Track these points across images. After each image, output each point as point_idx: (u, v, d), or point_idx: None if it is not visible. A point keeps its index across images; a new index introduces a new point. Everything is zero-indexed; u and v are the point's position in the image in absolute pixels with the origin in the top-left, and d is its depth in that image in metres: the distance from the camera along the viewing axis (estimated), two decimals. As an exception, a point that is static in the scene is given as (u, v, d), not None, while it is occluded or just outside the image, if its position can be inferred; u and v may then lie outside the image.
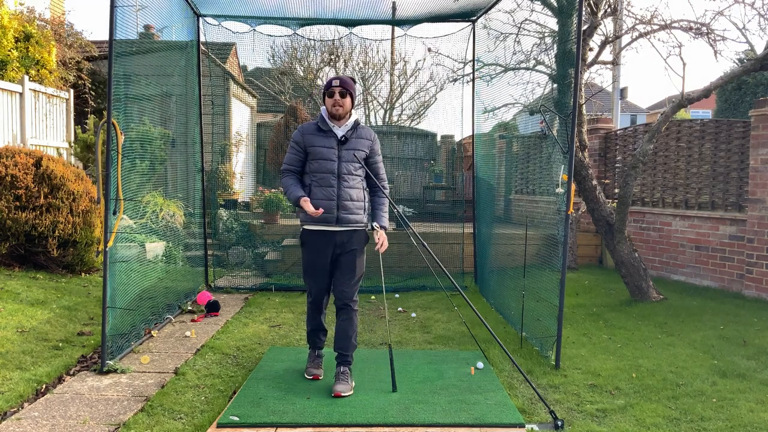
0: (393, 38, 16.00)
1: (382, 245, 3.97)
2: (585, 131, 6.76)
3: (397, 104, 19.23)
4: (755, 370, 4.46)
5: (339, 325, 4.08)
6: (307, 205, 3.83)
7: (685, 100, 6.30)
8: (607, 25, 6.85)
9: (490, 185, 7.70)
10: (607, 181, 9.50)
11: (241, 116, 13.74)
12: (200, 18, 6.88)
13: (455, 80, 9.15)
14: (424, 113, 19.31)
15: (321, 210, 3.83)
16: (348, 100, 3.94)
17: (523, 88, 6.58)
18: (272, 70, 18.74)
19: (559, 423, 3.43)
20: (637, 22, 6.91)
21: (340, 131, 3.98)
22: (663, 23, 6.69)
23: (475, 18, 7.26)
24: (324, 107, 3.98)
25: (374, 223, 4.06)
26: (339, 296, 4.08)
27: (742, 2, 6.50)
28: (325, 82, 4.04)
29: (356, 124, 4.03)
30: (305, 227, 4.06)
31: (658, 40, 7.64)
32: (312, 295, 4.19)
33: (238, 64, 16.77)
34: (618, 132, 9.50)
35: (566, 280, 4.53)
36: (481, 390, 3.96)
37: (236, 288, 7.38)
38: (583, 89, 6.36)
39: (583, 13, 4.89)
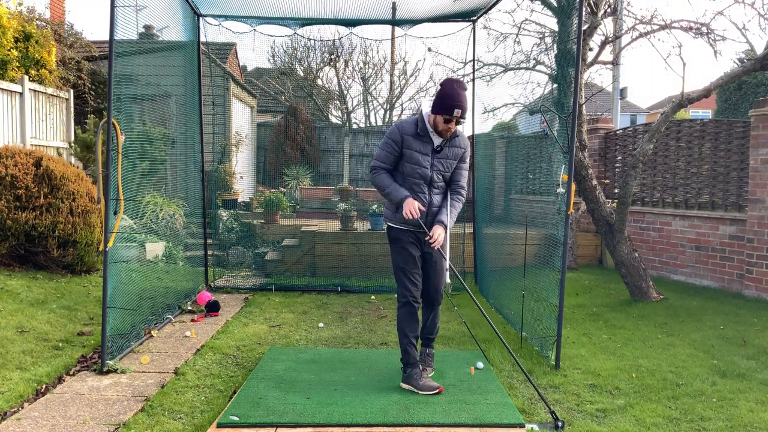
0: (393, 38, 16.00)
1: (436, 241, 3.87)
2: (585, 131, 6.76)
3: (397, 104, 19.23)
4: (755, 370, 4.46)
5: (431, 319, 4.17)
6: (410, 207, 3.75)
7: (685, 100, 6.30)
8: (607, 25, 6.86)
9: (490, 185, 7.71)
10: (607, 181, 9.50)
11: (241, 116, 13.74)
12: (200, 18, 6.88)
13: (455, 80, 9.14)
14: (424, 113, 19.28)
15: (418, 214, 3.76)
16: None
17: (522, 88, 6.59)
18: (272, 70, 18.74)
19: (560, 423, 3.43)
20: (637, 22, 6.91)
21: (437, 140, 3.91)
22: (663, 23, 6.69)
23: (475, 18, 7.25)
24: (428, 113, 3.87)
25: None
26: (433, 294, 4.10)
27: (742, 2, 6.50)
28: (441, 97, 3.76)
29: (454, 134, 3.96)
30: (392, 224, 3.97)
31: (658, 40, 7.66)
32: (409, 293, 3.92)
33: (238, 64, 16.77)
34: (618, 132, 9.50)
35: (566, 280, 4.53)
36: (481, 390, 3.96)
37: (236, 288, 7.38)
38: (583, 89, 6.35)
39: (583, 12, 4.89)
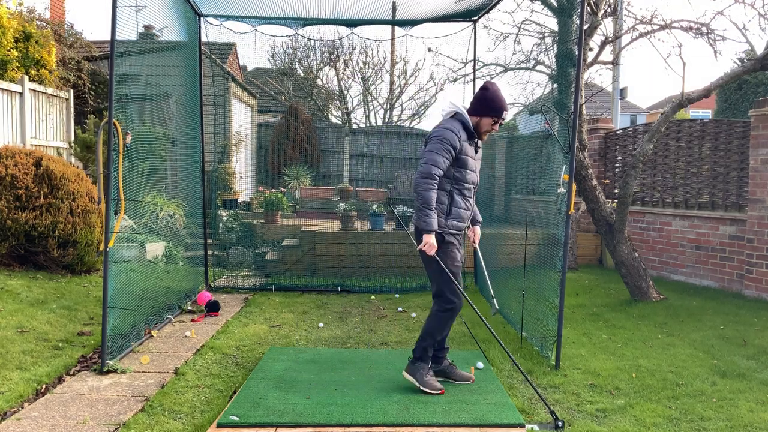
0: (393, 38, 16.00)
1: (476, 236, 4.15)
2: (585, 131, 6.76)
3: (397, 104, 19.24)
4: (755, 370, 4.46)
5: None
6: (433, 244, 3.71)
7: (685, 100, 6.30)
8: (607, 25, 6.86)
9: (490, 185, 7.71)
10: (607, 181, 9.50)
11: (241, 116, 13.74)
12: (201, 18, 6.88)
13: (455, 80, 9.17)
14: (424, 113, 19.32)
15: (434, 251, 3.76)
16: None
17: (523, 88, 6.60)
18: (272, 70, 18.75)
19: (560, 423, 3.43)
20: (637, 22, 6.92)
21: (478, 142, 3.95)
22: (663, 23, 6.70)
23: (476, 18, 7.26)
24: (467, 115, 3.82)
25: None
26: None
27: (742, 2, 6.51)
28: (490, 99, 3.79)
29: None
30: (444, 230, 3.87)
31: (658, 40, 7.66)
32: (458, 301, 3.87)
33: (238, 64, 16.77)
34: (618, 132, 9.50)
35: (566, 280, 4.53)
36: (481, 390, 3.96)
37: (236, 288, 7.38)
38: (583, 89, 6.36)
39: (584, 13, 4.88)
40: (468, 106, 3.94)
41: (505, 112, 3.82)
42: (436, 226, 3.73)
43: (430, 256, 3.79)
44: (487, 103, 3.80)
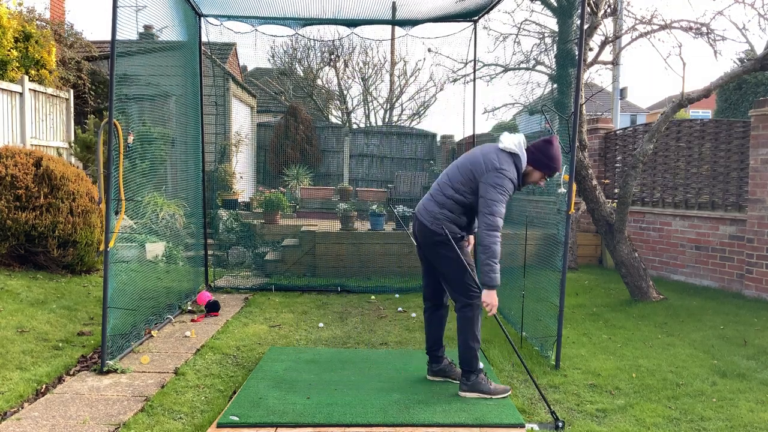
0: (393, 38, 16.00)
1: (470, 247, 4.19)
2: (585, 131, 6.76)
3: (397, 104, 19.24)
4: (755, 370, 4.46)
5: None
6: (494, 303, 3.65)
7: (685, 100, 6.30)
8: (607, 25, 6.86)
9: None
10: (607, 181, 9.50)
11: (241, 116, 13.74)
12: (201, 18, 6.88)
13: (455, 80, 9.17)
14: (424, 113, 19.34)
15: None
16: None
17: (523, 89, 6.59)
18: (272, 70, 18.76)
19: (560, 423, 3.43)
20: (637, 22, 6.92)
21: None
22: (663, 23, 6.70)
23: (476, 18, 7.26)
24: (525, 162, 3.75)
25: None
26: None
27: (742, 2, 6.51)
28: (551, 158, 3.77)
29: None
30: (458, 233, 3.86)
31: (658, 40, 7.66)
32: (478, 298, 3.81)
33: (238, 64, 16.78)
34: (618, 132, 9.50)
35: (566, 280, 4.53)
36: (481, 390, 3.96)
37: (236, 288, 7.38)
38: (583, 89, 6.36)
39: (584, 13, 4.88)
40: (524, 148, 3.80)
41: (558, 173, 3.82)
42: (499, 282, 3.65)
43: (448, 255, 3.78)
44: (547, 159, 3.76)
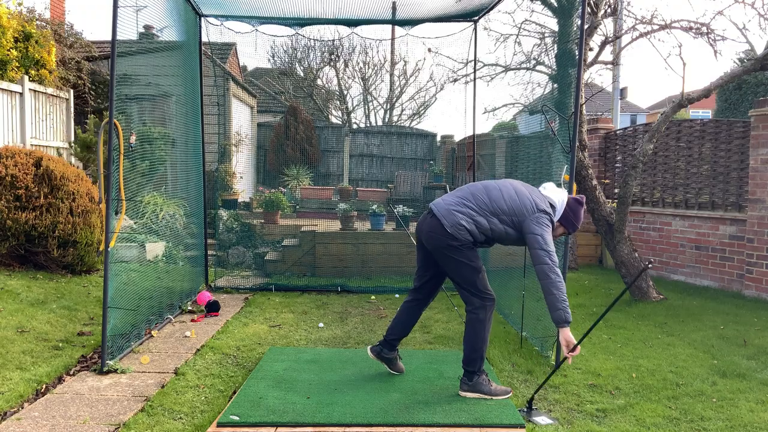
0: (393, 38, 16.01)
1: None
2: (585, 131, 6.76)
3: (397, 104, 19.26)
4: (755, 370, 4.47)
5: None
6: (572, 339, 3.58)
7: (685, 100, 6.30)
8: (607, 25, 6.87)
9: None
10: (607, 181, 9.50)
11: (241, 116, 13.75)
12: (201, 18, 6.88)
13: (455, 80, 9.17)
14: (424, 113, 19.35)
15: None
16: None
17: (523, 89, 6.59)
18: (272, 70, 18.77)
19: (533, 410, 3.61)
20: (637, 22, 6.92)
21: None
22: (663, 23, 6.70)
23: (476, 18, 7.25)
24: (561, 213, 3.85)
25: None
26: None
27: (742, 2, 6.51)
28: (577, 219, 3.91)
29: None
30: (467, 240, 3.83)
31: (658, 40, 7.66)
32: (491, 299, 3.87)
33: (238, 64, 16.78)
34: (618, 132, 9.50)
35: (566, 279, 4.52)
36: (481, 390, 3.96)
37: (236, 288, 7.38)
38: (583, 89, 6.36)
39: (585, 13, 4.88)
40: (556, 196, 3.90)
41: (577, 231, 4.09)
42: (571, 318, 3.63)
43: (461, 259, 3.79)
44: (575, 219, 3.89)
